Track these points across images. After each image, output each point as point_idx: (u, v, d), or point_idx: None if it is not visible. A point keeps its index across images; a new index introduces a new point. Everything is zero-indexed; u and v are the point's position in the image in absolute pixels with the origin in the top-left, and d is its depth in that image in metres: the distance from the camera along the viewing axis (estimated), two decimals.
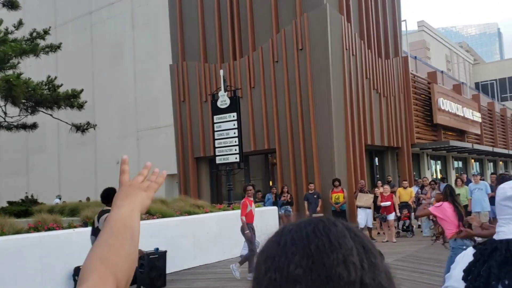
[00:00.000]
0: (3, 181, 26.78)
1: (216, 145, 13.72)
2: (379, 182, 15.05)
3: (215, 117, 13.78)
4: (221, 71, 14.29)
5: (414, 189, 14.69)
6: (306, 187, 14.83)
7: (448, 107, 23.38)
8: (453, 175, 26.58)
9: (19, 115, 12.77)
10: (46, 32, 12.78)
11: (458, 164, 28.98)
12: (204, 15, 18.28)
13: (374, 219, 13.78)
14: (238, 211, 12.24)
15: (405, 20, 22.12)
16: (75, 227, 8.60)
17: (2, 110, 12.49)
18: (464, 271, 1.48)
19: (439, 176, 25.15)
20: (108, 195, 6.16)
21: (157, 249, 8.69)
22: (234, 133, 13.25)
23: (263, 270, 0.70)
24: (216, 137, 13.72)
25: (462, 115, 25.20)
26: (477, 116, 27.78)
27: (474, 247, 1.56)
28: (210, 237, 11.08)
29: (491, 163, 35.08)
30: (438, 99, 22.40)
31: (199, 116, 18.16)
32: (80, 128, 12.87)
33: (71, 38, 24.50)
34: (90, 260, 0.91)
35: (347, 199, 14.03)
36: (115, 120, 22.68)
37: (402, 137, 19.71)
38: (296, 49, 15.69)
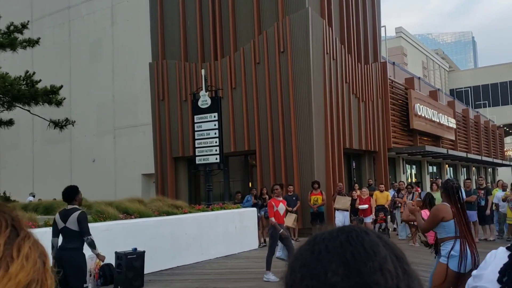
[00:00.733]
0: None
1: (196, 145, 13.65)
2: (356, 185, 15.23)
3: (195, 117, 13.70)
4: (203, 71, 14.22)
5: (390, 193, 14.92)
6: (285, 189, 14.87)
7: (425, 113, 23.81)
8: (427, 180, 27.10)
9: None
10: (24, 26, 12.50)
11: (433, 169, 29.55)
12: (186, 14, 18.18)
13: (351, 221, 13.92)
14: (218, 212, 12.23)
15: (384, 26, 22.46)
16: (51, 225, 8.40)
17: None
18: (500, 272, 1.45)
19: (413, 180, 25.60)
20: (69, 194, 6.04)
21: (135, 249, 8.59)
22: (215, 133, 13.20)
23: (299, 277, 0.72)
24: (196, 137, 13.64)
25: (438, 121, 25.70)
26: (452, 122, 28.38)
27: (508, 248, 1.52)
28: (188, 238, 11.01)
29: (464, 169, 35.88)
30: (414, 105, 22.79)
31: (178, 116, 18.03)
32: (59, 125, 12.61)
33: (48, 33, 24.02)
34: None
35: (325, 201, 14.14)
36: (92, 117, 22.34)
37: (379, 141, 19.97)
38: (277, 52, 15.74)
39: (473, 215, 12.80)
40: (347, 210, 13.28)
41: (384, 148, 20.23)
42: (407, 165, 25.35)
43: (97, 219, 9.40)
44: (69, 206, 6.04)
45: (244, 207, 13.31)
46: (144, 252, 8.63)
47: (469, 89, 51.89)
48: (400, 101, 22.66)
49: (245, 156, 17.70)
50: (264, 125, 15.97)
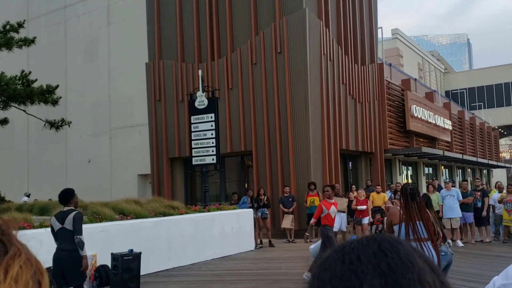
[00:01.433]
0: None
1: (193, 146, 13.59)
2: (353, 186, 15.21)
3: (192, 117, 13.65)
4: (200, 71, 14.17)
5: (387, 195, 14.91)
6: (281, 190, 14.85)
7: (421, 114, 23.85)
8: (423, 181, 27.14)
9: None
10: (20, 25, 12.41)
11: (429, 170, 29.60)
12: (182, 14, 18.13)
13: (348, 223, 13.91)
14: (214, 213, 12.19)
15: (381, 28, 22.48)
16: (46, 226, 8.34)
17: None
18: None
19: (409, 181, 25.63)
20: (65, 196, 6.19)
21: (131, 250, 8.53)
22: (212, 134, 13.15)
23: None
24: (192, 138, 13.59)
25: (434, 122, 25.75)
26: (448, 124, 28.44)
27: None
28: (184, 239, 10.96)
29: (460, 170, 35.98)
30: (411, 106, 22.82)
31: (174, 116, 17.98)
32: (55, 125, 12.52)
33: (44, 32, 23.89)
34: None
35: None
36: (87, 117, 22.22)
37: (376, 143, 19.99)
38: (274, 52, 15.72)
39: (469, 216, 12.83)
40: (344, 212, 13.26)
41: (380, 149, 20.25)
42: (403, 166, 25.39)
43: (93, 220, 9.34)
44: (65, 208, 6.16)
45: (240, 208, 13.26)
46: (140, 253, 8.57)
47: (464, 90, 52.08)
48: (397, 102, 22.69)
49: (242, 156, 17.66)
50: (261, 126, 15.93)
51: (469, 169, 37.89)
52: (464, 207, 12.67)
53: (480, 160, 34.14)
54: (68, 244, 5.96)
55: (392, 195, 14.61)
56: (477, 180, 14.00)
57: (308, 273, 8.45)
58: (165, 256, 10.31)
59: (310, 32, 15.40)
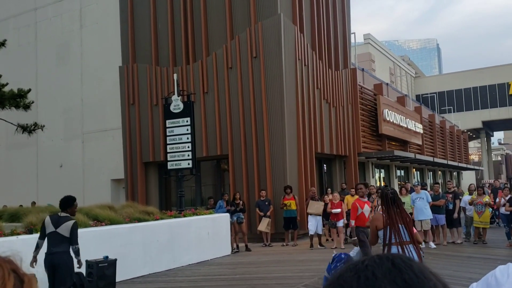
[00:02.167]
0: None
1: (168, 150, 13.48)
2: (329, 189, 15.35)
3: (167, 121, 13.54)
4: (175, 75, 14.08)
5: None
6: (258, 194, 14.88)
7: (393, 118, 24.29)
8: (396, 183, 27.61)
9: None
10: None
11: (401, 172, 30.15)
12: (157, 17, 17.99)
13: (324, 225, 14.02)
14: (190, 218, 12.11)
15: (354, 33, 22.82)
16: (18, 234, 8.14)
17: None
18: None
19: (382, 184, 26.06)
20: (66, 203, 6.59)
21: (107, 257, 8.39)
22: (187, 138, 13.07)
23: None
24: (168, 142, 13.48)
25: (406, 126, 26.25)
26: (419, 128, 29.04)
27: None
28: (160, 244, 10.85)
29: (431, 173, 36.77)
30: (383, 110, 23.22)
31: (149, 120, 17.80)
32: (27, 129, 12.22)
33: (13, 34, 23.33)
34: None
35: (298, 206, 14.19)
36: (59, 121, 21.79)
37: (350, 146, 20.25)
38: (250, 57, 15.76)
39: (441, 218, 13.11)
40: (320, 215, 13.37)
41: (354, 153, 20.52)
42: (376, 169, 25.79)
43: None
44: (62, 214, 6.53)
45: (217, 213, 13.21)
46: (115, 260, 8.44)
47: (434, 95, 53.29)
48: (369, 107, 23.05)
49: (217, 160, 17.62)
50: (237, 130, 15.94)
51: (439, 172, 38.75)
52: (436, 209, 12.95)
53: (450, 162, 34.96)
54: (59, 247, 6.33)
55: (366, 197, 14.78)
56: (448, 183, 14.33)
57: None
58: (141, 262, 10.19)
59: (285, 37, 15.52)
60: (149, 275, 10.15)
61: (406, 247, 5.03)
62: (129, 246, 9.94)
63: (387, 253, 0.77)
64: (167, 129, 13.52)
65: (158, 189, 18.64)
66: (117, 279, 8.50)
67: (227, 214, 13.20)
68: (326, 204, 13.75)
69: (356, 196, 14.56)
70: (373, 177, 24.66)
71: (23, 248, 7.87)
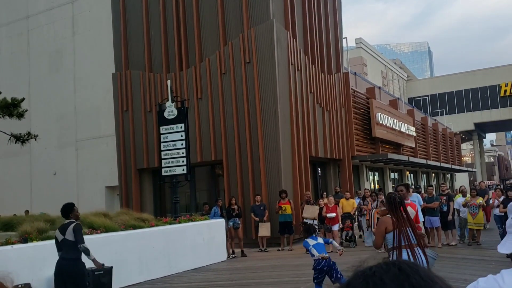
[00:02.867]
0: None
1: (163, 157, 13.47)
2: (325, 193, 15.38)
3: (161, 128, 13.54)
4: (169, 82, 14.09)
5: (356, 201, 15.15)
6: (253, 199, 14.89)
7: (386, 121, 24.43)
8: (390, 186, 27.72)
9: None
10: None
11: (395, 175, 30.28)
12: (149, 24, 18.02)
13: (319, 229, 14.04)
14: (185, 224, 12.09)
15: (346, 38, 22.96)
16: (13, 243, 8.10)
17: None
18: None
19: (376, 187, 26.15)
20: (65, 210, 6.86)
21: (103, 265, 8.35)
22: (182, 144, 13.08)
23: None
24: (162, 148, 13.47)
25: (398, 129, 26.40)
26: (412, 130, 29.21)
27: None
28: (156, 251, 10.82)
29: (424, 175, 36.95)
30: (376, 114, 23.35)
31: (142, 126, 17.79)
32: (20, 139, 12.17)
33: (5, 43, 23.29)
34: None
35: (293, 210, 14.21)
36: (53, 129, 21.71)
37: (344, 150, 20.33)
38: (243, 62, 15.82)
39: (436, 220, 13.17)
40: (315, 219, 13.39)
41: (348, 156, 20.60)
42: (370, 172, 25.89)
43: None
44: (66, 221, 6.78)
45: (211, 219, 13.20)
46: (111, 267, 8.42)
47: (426, 97, 53.64)
48: (362, 110, 23.17)
49: (212, 166, 17.62)
50: (231, 135, 15.96)
51: (433, 174, 38.95)
52: (430, 211, 13.01)
53: (443, 164, 35.16)
54: (69, 253, 6.55)
55: (361, 201, 14.86)
56: (442, 185, 14.42)
57: None
58: (137, 269, 10.16)
59: (278, 42, 15.59)
60: (145, 282, 10.12)
61: (416, 249, 5.07)
62: (125, 254, 9.90)
63: (393, 260, 0.80)
64: (161, 136, 13.52)
65: (153, 195, 18.60)
66: (113, 287, 8.46)
67: (222, 220, 13.20)
68: (321, 208, 13.78)
69: (352, 200, 14.67)
70: (367, 180, 24.76)
71: (17, 258, 7.85)
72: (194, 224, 12.31)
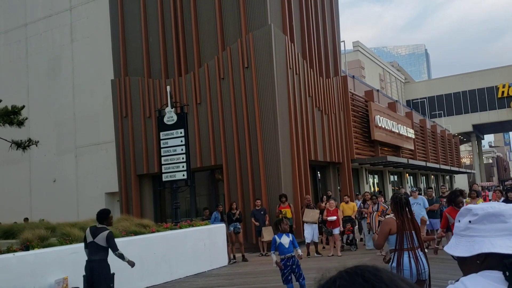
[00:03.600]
0: None
1: (163, 162, 13.48)
2: (325, 196, 15.38)
3: (161, 133, 13.55)
4: (168, 87, 14.13)
5: (356, 204, 15.15)
6: (253, 203, 14.89)
7: (384, 124, 24.47)
8: (389, 189, 27.74)
9: None
10: None
11: (394, 178, 30.30)
12: (148, 30, 18.07)
13: (320, 233, 14.05)
14: (186, 230, 12.09)
15: (343, 41, 23.05)
16: (14, 251, 8.09)
17: None
18: None
19: (376, 189, 26.16)
20: (102, 216, 7.28)
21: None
22: (182, 149, 13.09)
23: None
24: (162, 154, 13.48)
25: (397, 131, 26.45)
26: (410, 133, 29.26)
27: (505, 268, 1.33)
28: (157, 257, 10.82)
29: (424, 177, 36.98)
30: (375, 116, 23.40)
31: (142, 132, 17.81)
32: (21, 145, 12.18)
33: (4, 50, 23.33)
34: None
35: (294, 214, 14.21)
36: (52, 136, 21.72)
37: (343, 153, 20.35)
38: (242, 67, 15.86)
39: (436, 223, 13.19)
40: (315, 223, 13.39)
41: (347, 159, 20.62)
42: (369, 175, 25.91)
43: (63, 242, 9.10)
44: (99, 225, 7.23)
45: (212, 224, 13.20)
46: (113, 274, 8.40)
47: (424, 99, 53.75)
48: (361, 113, 23.22)
49: (212, 171, 17.63)
50: (230, 140, 15.98)
51: (432, 176, 38.99)
52: (431, 213, 13.03)
53: (442, 166, 35.20)
54: (97, 255, 7.10)
55: (361, 204, 14.87)
56: (442, 187, 14.42)
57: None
58: (138, 275, 10.14)
59: (276, 47, 15.65)
60: None
61: (417, 252, 5.07)
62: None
63: (354, 268, 0.79)
64: (161, 141, 13.53)
65: (153, 201, 18.59)
66: None
67: (223, 225, 13.19)
68: (322, 211, 13.78)
69: (353, 203, 14.68)
70: (367, 183, 24.78)
71: (18, 266, 7.84)
72: (195, 229, 12.31)
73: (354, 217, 14.34)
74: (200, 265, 11.89)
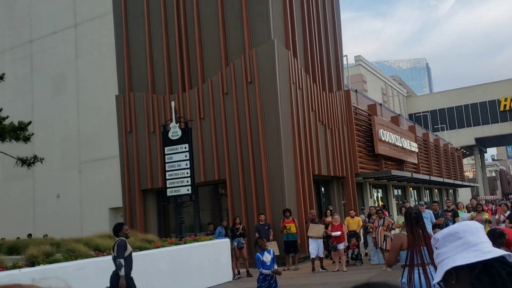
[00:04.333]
0: None
1: (167, 177, 13.50)
2: (329, 211, 15.35)
3: (166, 148, 13.61)
4: (173, 103, 14.24)
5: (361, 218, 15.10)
6: (257, 218, 14.85)
7: (388, 138, 24.47)
8: (393, 203, 27.64)
9: None
10: None
11: (398, 192, 30.20)
12: (152, 46, 18.23)
13: (325, 248, 13.98)
14: (191, 245, 12.05)
15: (346, 56, 23.18)
16: (20, 267, 8.09)
17: None
18: None
19: (380, 204, 26.06)
20: (115, 230, 7.90)
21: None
22: (186, 164, 13.13)
23: None
24: (167, 169, 13.52)
25: (401, 145, 26.43)
26: (414, 146, 29.23)
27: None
28: (162, 273, 10.77)
29: (428, 191, 36.84)
30: (378, 130, 23.41)
31: (146, 147, 17.86)
32: (26, 162, 12.24)
33: (9, 67, 23.52)
34: None
35: (298, 229, 14.16)
36: (56, 152, 21.80)
37: (347, 167, 20.34)
38: (245, 82, 15.96)
39: None
40: (320, 238, 13.33)
41: (351, 174, 20.59)
42: (373, 189, 25.83)
43: (69, 258, 9.08)
44: (117, 239, 7.69)
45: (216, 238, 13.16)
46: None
47: (427, 113, 53.79)
48: (364, 127, 23.24)
49: (215, 185, 17.63)
50: (234, 155, 16.01)
51: (436, 190, 38.85)
52: (436, 227, 12.97)
53: (446, 180, 35.10)
54: (116, 268, 7.54)
55: (367, 219, 14.82)
56: (447, 201, 14.38)
57: None
58: None
59: (279, 62, 15.76)
60: None
61: (428, 268, 5.03)
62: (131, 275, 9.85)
63: (365, 285, 0.79)
64: (166, 156, 13.58)
65: (157, 216, 18.56)
66: None
67: (227, 240, 13.16)
68: (326, 226, 13.73)
69: (358, 218, 14.63)
70: (371, 198, 24.70)
71: (25, 282, 7.81)
72: (199, 244, 12.28)
73: (359, 232, 14.29)
74: (204, 280, 11.83)
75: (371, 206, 16.71)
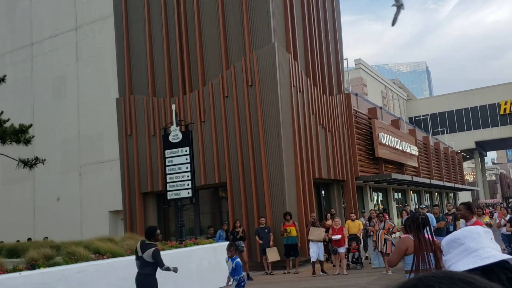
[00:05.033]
0: None
1: (168, 180, 13.49)
2: (329, 214, 15.33)
3: (166, 151, 13.59)
4: (173, 106, 14.23)
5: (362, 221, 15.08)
6: (257, 222, 14.84)
7: (388, 141, 24.47)
8: (394, 206, 27.61)
9: None
10: None
11: (398, 195, 30.18)
12: (153, 49, 18.25)
13: (325, 252, 13.95)
14: (191, 248, 12.03)
15: (346, 59, 23.21)
16: (21, 270, 8.06)
17: None
18: None
19: (380, 207, 26.03)
20: (150, 232, 7.80)
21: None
22: (187, 167, 13.11)
23: None
24: (167, 172, 13.50)
25: (401, 148, 26.43)
26: (414, 150, 29.23)
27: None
28: (162, 276, 10.70)
29: (428, 194, 36.82)
30: (378, 134, 23.41)
31: (146, 150, 17.85)
32: (28, 163, 12.23)
33: (10, 70, 23.54)
34: None
35: (298, 232, 14.13)
36: (56, 154, 21.78)
37: (347, 170, 20.32)
38: (246, 85, 15.97)
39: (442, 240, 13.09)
40: (321, 241, 13.30)
41: (352, 177, 20.58)
42: (374, 193, 25.81)
43: (69, 261, 9.06)
44: (147, 241, 7.70)
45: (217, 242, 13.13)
46: None
47: (427, 116, 53.83)
48: (365, 131, 23.24)
49: (216, 188, 17.61)
50: (234, 158, 16.00)
51: (436, 193, 38.82)
52: (437, 231, 12.94)
53: (446, 183, 35.07)
54: (144, 269, 7.66)
55: (367, 222, 14.80)
56: (448, 205, 14.37)
57: None
58: None
59: (280, 65, 15.77)
60: None
61: None
62: (131, 279, 9.77)
63: (416, 277, 0.81)
64: (167, 159, 13.57)
65: (157, 219, 18.54)
66: None
67: (228, 243, 13.11)
68: (327, 229, 13.70)
69: (358, 221, 14.60)
70: (371, 201, 24.68)
71: (24, 285, 7.80)
72: (200, 247, 12.25)
73: (359, 235, 14.26)
74: (205, 283, 11.80)
75: (371, 210, 16.68)
